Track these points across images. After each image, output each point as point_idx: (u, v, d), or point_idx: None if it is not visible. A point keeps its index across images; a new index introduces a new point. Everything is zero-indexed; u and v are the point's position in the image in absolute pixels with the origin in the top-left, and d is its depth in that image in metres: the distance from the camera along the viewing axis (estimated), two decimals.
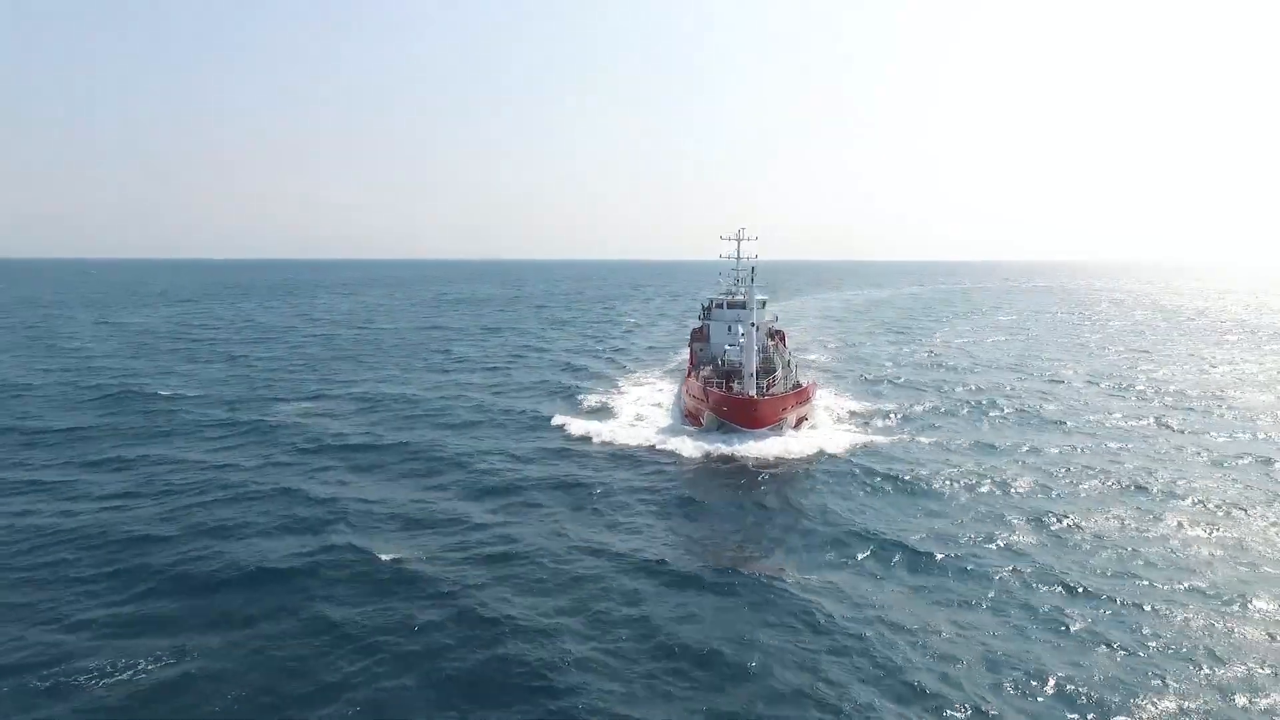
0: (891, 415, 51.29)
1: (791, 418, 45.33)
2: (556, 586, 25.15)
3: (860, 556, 28.27)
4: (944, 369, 72.75)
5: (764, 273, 69.30)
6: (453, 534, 29.71)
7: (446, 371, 70.61)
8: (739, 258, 64.53)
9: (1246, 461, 40.50)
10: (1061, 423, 49.29)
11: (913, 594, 25.24)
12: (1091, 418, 50.84)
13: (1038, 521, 31.54)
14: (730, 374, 50.39)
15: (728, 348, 55.40)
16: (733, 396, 44.55)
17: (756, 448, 41.15)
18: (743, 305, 62.36)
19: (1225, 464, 40.12)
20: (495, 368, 73.14)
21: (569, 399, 57.76)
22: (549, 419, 49.53)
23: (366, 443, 43.63)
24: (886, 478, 37.16)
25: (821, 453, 41.29)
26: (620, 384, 64.50)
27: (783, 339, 65.31)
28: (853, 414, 52.04)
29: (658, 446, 42.80)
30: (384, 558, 26.71)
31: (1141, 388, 62.21)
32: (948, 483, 36.60)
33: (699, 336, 63.55)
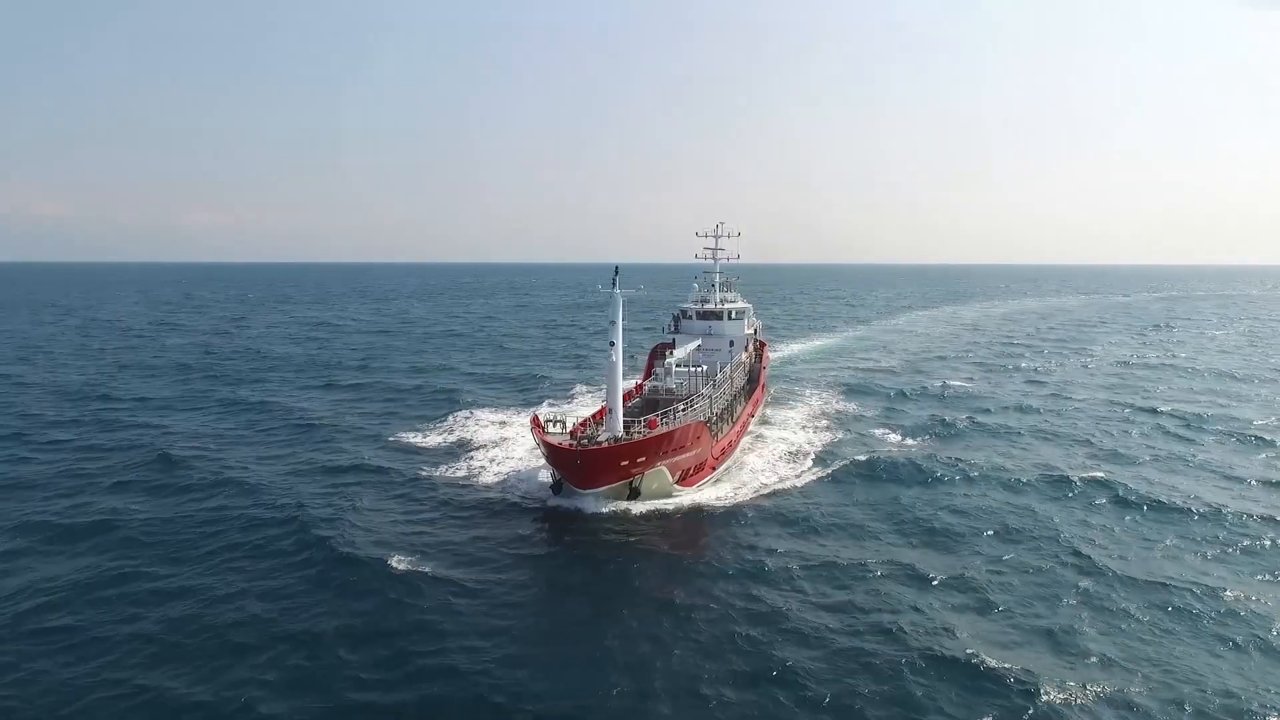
0: (831, 462, 38.34)
1: (667, 470, 32.33)
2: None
3: None
4: (956, 404, 53.78)
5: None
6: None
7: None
8: (716, 258, 55.06)
9: None
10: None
11: None
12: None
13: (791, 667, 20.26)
14: (653, 404, 38.32)
15: (675, 367, 41.97)
16: (557, 444, 30.93)
17: (575, 515, 30.80)
18: (717, 315, 53.09)
19: None
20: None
21: (452, 418, 48.03)
22: (388, 439, 42.08)
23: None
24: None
25: (639, 521, 30.32)
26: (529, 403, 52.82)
27: (761, 355, 54.50)
28: (791, 456, 39.67)
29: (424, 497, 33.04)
30: None
31: None
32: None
33: (661, 353, 49.65)
